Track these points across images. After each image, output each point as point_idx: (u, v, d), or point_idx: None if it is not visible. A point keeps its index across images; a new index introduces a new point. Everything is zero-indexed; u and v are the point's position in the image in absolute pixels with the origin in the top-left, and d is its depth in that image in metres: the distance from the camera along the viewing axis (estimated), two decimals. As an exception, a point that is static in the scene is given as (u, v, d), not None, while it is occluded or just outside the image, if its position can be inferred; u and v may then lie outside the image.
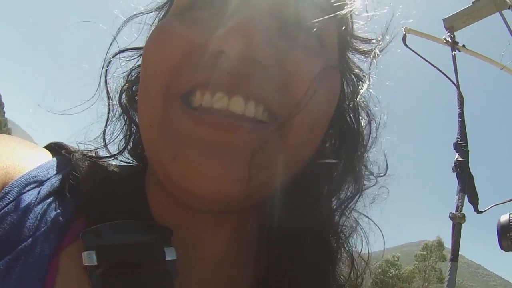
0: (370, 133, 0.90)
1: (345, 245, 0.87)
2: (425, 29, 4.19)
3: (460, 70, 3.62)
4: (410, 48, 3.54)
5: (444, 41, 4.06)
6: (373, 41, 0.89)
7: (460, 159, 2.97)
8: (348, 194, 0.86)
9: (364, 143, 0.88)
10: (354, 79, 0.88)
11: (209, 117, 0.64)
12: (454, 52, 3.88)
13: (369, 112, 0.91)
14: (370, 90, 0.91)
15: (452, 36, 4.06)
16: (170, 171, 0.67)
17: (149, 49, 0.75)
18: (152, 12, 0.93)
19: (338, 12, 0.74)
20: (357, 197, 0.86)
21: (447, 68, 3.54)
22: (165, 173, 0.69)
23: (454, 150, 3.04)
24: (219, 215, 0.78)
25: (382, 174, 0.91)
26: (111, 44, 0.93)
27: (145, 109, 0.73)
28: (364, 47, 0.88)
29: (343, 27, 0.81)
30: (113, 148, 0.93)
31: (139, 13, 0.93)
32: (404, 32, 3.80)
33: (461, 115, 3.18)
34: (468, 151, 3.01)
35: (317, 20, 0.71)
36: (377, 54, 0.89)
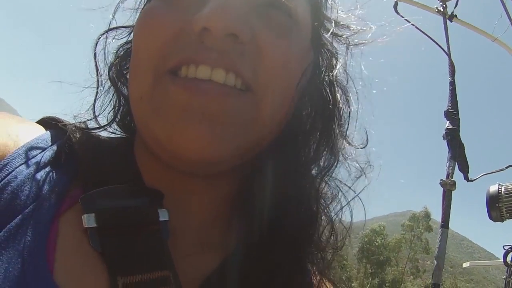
0: (344, 106, 0.94)
1: (325, 210, 0.93)
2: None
3: (451, 40, 3.62)
4: (401, 16, 3.52)
5: (436, 10, 4.05)
6: (345, 26, 0.94)
7: (451, 127, 2.99)
8: (326, 163, 0.92)
9: (339, 116, 0.93)
10: (329, 55, 0.93)
11: (194, 84, 0.69)
12: (445, 21, 3.86)
13: (344, 87, 0.95)
14: (351, 65, 0.96)
15: (444, 6, 4.04)
16: (158, 136, 0.72)
17: (139, 31, 0.79)
18: None
19: None
20: (333, 166, 0.92)
21: (439, 38, 3.54)
22: (154, 138, 0.74)
23: (445, 118, 3.06)
24: (206, 179, 0.82)
25: (362, 146, 0.96)
26: (110, 23, 0.97)
27: (136, 84, 0.78)
28: (337, 30, 0.94)
29: (316, 7, 0.88)
30: (101, 122, 0.96)
31: None
32: (396, 0, 3.79)
33: (452, 84, 3.19)
34: (459, 119, 3.03)
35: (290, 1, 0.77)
36: (351, 42, 0.96)
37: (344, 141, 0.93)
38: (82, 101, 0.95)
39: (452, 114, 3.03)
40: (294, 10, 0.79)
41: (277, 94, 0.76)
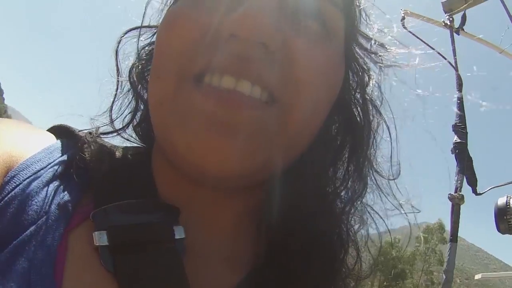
0: (376, 128, 0.89)
1: (353, 237, 0.88)
2: (424, 12, 4.19)
3: (458, 53, 3.63)
4: (409, 31, 3.54)
5: (443, 24, 4.06)
6: (380, 44, 0.89)
7: (459, 140, 3.00)
8: (355, 188, 0.87)
9: (372, 139, 0.89)
10: (360, 72, 0.89)
11: (217, 92, 0.66)
12: (452, 35, 3.88)
13: (377, 108, 0.90)
14: (379, 86, 0.91)
15: (451, 19, 4.06)
16: (177, 145, 0.68)
17: (163, 33, 0.76)
18: None
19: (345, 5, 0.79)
20: (362, 192, 0.87)
21: (446, 52, 3.55)
22: (173, 148, 0.70)
23: (453, 132, 3.07)
24: (225, 192, 0.78)
25: (393, 178, 0.90)
26: (142, 22, 0.95)
27: (157, 88, 0.74)
28: (369, 47, 0.89)
29: (351, 20, 0.83)
30: (118, 127, 0.93)
31: None
32: (403, 15, 3.81)
33: (460, 98, 3.20)
34: (467, 132, 3.04)
35: (325, 11, 0.74)
36: (384, 62, 0.90)
37: (372, 169, 0.88)
38: (100, 104, 0.92)
39: (460, 128, 3.04)
40: (328, 20, 0.75)
41: (307, 105, 0.72)
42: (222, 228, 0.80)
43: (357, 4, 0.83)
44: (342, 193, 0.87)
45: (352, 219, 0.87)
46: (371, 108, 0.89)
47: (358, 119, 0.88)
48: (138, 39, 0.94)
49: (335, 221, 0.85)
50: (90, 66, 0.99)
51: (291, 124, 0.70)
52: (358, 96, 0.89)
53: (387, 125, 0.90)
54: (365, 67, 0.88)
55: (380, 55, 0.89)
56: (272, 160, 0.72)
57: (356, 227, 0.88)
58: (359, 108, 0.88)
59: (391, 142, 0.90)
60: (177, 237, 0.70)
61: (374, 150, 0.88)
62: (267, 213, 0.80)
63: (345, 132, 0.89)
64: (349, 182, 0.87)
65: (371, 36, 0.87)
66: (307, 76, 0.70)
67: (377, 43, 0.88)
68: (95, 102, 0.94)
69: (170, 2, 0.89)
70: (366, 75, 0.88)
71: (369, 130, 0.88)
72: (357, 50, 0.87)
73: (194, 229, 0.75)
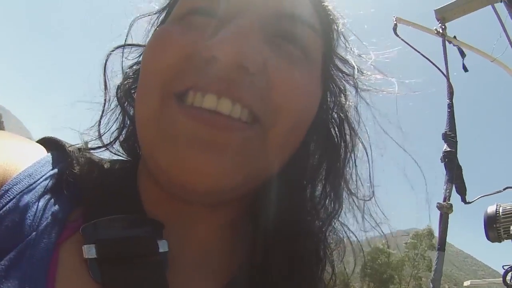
0: (352, 148, 0.93)
1: (329, 254, 0.92)
2: (416, 20, 4.21)
3: (450, 61, 3.64)
4: (400, 38, 3.56)
5: (435, 32, 4.09)
6: (357, 68, 0.93)
7: (449, 149, 3.01)
8: (332, 206, 0.91)
9: (346, 157, 0.92)
10: (337, 92, 0.92)
11: (200, 114, 0.68)
12: (444, 43, 3.90)
13: (354, 129, 0.93)
14: (355, 106, 0.94)
15: (443, 27, 4.08)
16: (162, 164, 0.71)
17: (149, 52, 0.79)
18: (154, 14, 0.97)
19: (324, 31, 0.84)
20: (339, 210, 0.91)
21: (437, 59, 3.56)
22: (158, 166, 0.73)
23: (443, 141, 3.08)
24: (210, 207, 0.81)
25: (367, 199, 0.93)
26: (125, 41, 0.98)
27: (142, 106, 0.77)
28: (345, 69, 0.93)
29: (328, 43, 0.88)
30: (106, 141, 0.95)
31: (144, 15, 0.98)
32: (395, 22, 3.83)
33: (451, 106, 3.21)
34: (457, 141, 3.04)
35: (304, 35, 0.78)
36: (360, 85, 0.94)
37: (348, 189, 0.91)
38: (91, 116, 0.95)
39: (450, 137, 3.05)
40: (307, 44, 0.78)
41: (286, 126, 0.75)
42: (205, 241, 0.83)
43: (335, 28, 0.88)
44: (320, 212, 0.91)
45: (329, 236, 0.91)
46: (347, 127, 0.93)
47: (335, 138, 0.92)
48: (122, 59, 0.98)
49: (313, 238, 0.89)
50: (88, 68, 1.02)
51: (271, 143, 0.74)
52: (336, 116, 0.93)
53: (363, 145, 0.93)
54: (342, 87, 0.92)
55: (356, 78, 0.92)
56: (253, 176, 0.75)
57: (332, 245, 0.92)
58: (336, 128, 0.92)
59: (368, 162, 0.93)
60: (161, 250, 0.73)
61: (350, 169, 0.92)
62: (250, 226, 0.84)
63: (322, 150, 0.92)
64: (326, 201, 0.91)
65: (348, 59, 0.92)
66: (286, 99, 0.73)
67: (354, 66, 0.92)
68: (89, 111, 0.97)
69: (157, 23, 0.95)
70: (343, 95, 0.92)
71: (345, 149, 0.92)
72: (335, 71, 0.91)
73: (177, 242, 0.77)
